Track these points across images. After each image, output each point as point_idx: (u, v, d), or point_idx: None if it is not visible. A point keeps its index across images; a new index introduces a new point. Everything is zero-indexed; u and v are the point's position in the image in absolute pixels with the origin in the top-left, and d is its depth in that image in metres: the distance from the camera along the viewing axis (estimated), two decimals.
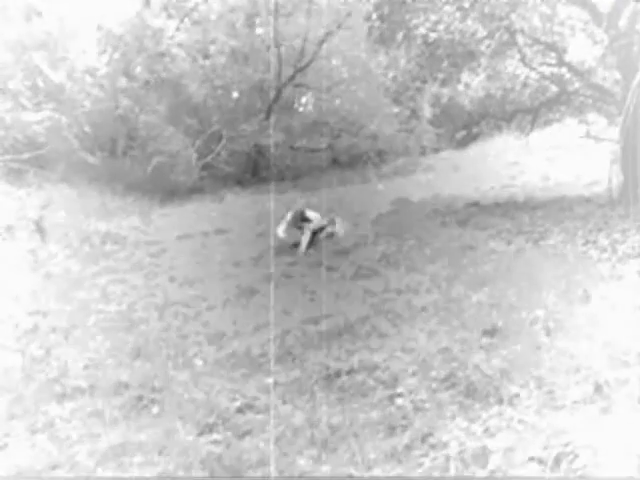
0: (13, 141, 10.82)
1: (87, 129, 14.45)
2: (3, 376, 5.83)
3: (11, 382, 5.72)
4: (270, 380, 5.28)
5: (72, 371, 5.81)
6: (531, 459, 3.71)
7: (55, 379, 5.70)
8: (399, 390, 4.74)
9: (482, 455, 3.79)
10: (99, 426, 4.83)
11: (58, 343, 6.57)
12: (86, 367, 5.89)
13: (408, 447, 4.01)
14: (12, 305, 7.87)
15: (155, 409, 4.97)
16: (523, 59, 12.52)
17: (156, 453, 4.33)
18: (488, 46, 13.13)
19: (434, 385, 4.76)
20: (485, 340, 5.40)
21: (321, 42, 17.29)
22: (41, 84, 11.52)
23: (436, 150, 18.23)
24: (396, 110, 17.62)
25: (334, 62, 18.98)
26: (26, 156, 8.87)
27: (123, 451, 4.41)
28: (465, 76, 14.92)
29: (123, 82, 15.78)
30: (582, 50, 11.92)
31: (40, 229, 7.45)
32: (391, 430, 4.23)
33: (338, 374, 5.17)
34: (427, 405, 4.48)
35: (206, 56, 17.42)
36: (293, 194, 14.05)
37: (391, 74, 14.52)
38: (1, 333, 7.00)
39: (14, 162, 10.21)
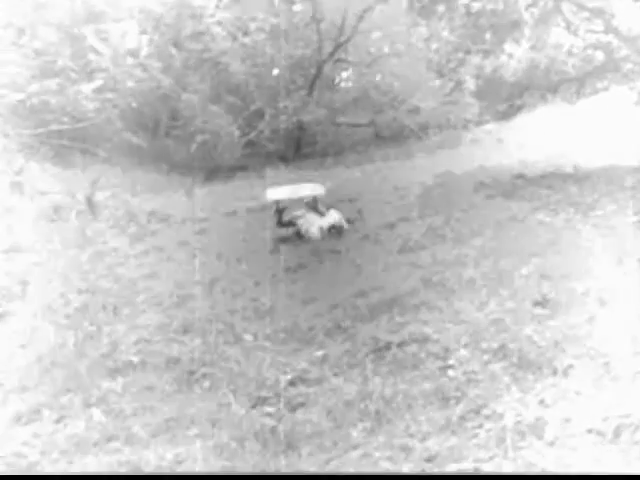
0: (59, 124, 10.94)
1: (131, 109, 14.55)
2: (58, 352, 5.93)
3: (65, 358, 5.83)
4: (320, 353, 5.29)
5: (123, 347, 5.88)
6: (589, 431, 3.65)
7: (107, 355, 5.79)
8: (451, 362, 4.70)
9: (538, 426, 3.74)
10: (152, 400, 4.90)
11: (108, 320, 6.65)
12: (136, 343, 5.95)
13: (462, 418, 3.97)
14: (63, 284, 7.99)
15: (207, 383, 5.02)
16: (568, 27, 12.27)
17: (209, 426, 4.37)
18: (532, 15, 12.90)
19: (486, 357, 4.70)
20: (537, 311, 5.33)
21: (361, 17, 17.11)
22: (92, 59, 11.62)
23: (480, 123, 17.94)
24: (438, 83, 17.39)
25: (374, 36, 18.78)
26: (81, 125, 8.93)
27: (177, 424, 4.47)
28: (508, 46, 14.68)
29: (164, 62, 15.82)
30: (630, 15, 11.60)
31: (91, 205, 7.54)
32: (444, 401, 4.20)
33: (388, 346, 5.14)
34: (480, 377, 4.44)
35: (246, 34, 17.36)
36: (336, 170, 14.01)
37: (434, 46, 14.37)
38: (54, 311, 7.12)
39: (61, 139, 10.34)
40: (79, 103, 9.54)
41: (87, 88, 9.25)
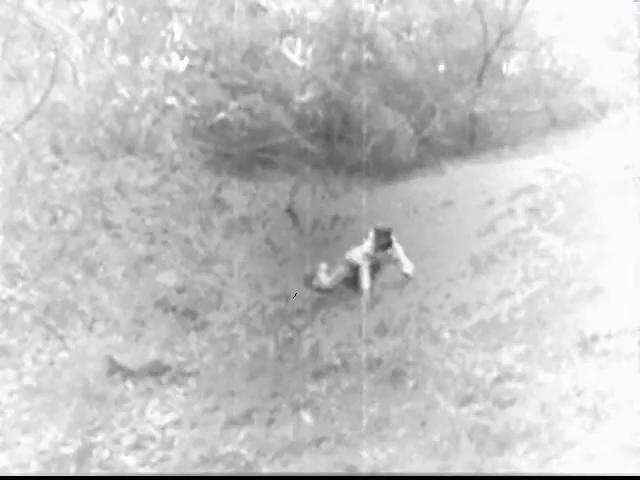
0: (239, 138, 11.42)
1: (305, 118, 14.88)
2: (260, 358, 6.16)
3: (266, 364, 6.04)
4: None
5: (323, 350, 6.01)
6: None
7: (307, 358, 5.94)
8: None
9: None
10: (357, 401, 4.96)
11: (305, 324, 6.82)
12: (336, 346, 6.06)
13: None
14: (255, 292, 8.26)
15: (411, 383, 5.01)
16: None
17: (419, 425, 4.35)
18: None
19: None
20: None
21: (525, 0, 16.58)
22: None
23: None
24: (616, 57, 16.52)
25: (541, 19, 18.15)
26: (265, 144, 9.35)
27: (386, 424, 4.49)
28: None
29: (331, 69, 16.05)
30: None
31: (292, 213, 7.91)
32: None
33: (595, 338, 4.90)
34: None
35: (409, 32, 17.31)
36: (513, 161, 13.61)
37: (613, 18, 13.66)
38: (250, 318, 7.39)
39: (241, 153, 10.85)
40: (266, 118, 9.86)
41: (300, 99, 9.53)
